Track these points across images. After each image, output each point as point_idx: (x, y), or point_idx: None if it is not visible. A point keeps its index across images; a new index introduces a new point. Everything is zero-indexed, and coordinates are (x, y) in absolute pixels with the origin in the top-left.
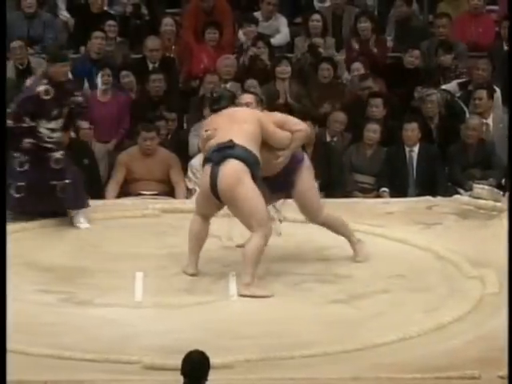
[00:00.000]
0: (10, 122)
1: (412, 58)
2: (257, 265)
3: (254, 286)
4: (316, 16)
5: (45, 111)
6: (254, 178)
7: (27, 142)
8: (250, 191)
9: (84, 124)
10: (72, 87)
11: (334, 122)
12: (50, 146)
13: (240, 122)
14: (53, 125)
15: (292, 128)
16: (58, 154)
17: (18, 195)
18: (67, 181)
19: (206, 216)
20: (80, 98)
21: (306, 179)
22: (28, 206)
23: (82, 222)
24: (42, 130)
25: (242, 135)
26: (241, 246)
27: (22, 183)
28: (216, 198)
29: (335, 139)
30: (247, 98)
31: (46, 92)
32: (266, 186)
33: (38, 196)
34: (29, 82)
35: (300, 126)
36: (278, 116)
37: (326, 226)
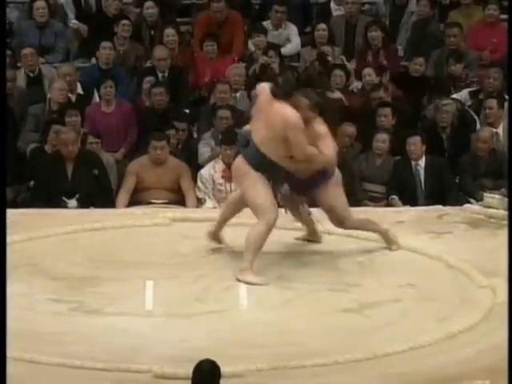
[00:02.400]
0: None
1: (417, 66)
2: (256, 252)
3: (250, 273)
4: (322, 25)
5: None
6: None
7: None
8: (250, 186)
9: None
10: None
11: (342, 136)
12: None
13: (269, 124)
14: None
15: (320, 148)
16: None
17: None
18: None
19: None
20: None
21: (331, 192)
22: None
23: None
24: None
25: (263, 133)
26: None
27: None
28: None
29: (344, 150)
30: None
31: None
32: (289, 185)
33: None
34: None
35: (327, 151)
36: (323, 129)
37: (355, 229)
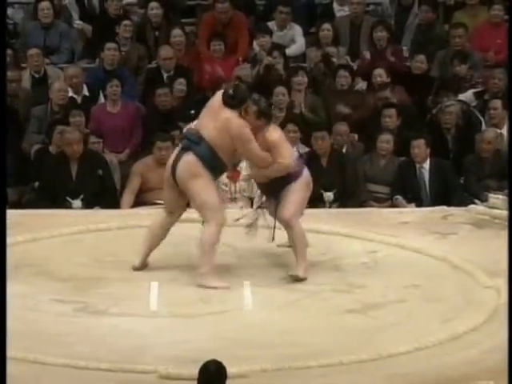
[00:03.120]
0: None
1: (418, 64)
2: (213, 254)
3: (210, 276)
4: (326, 25)
5: None
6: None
7: None
8: (201, 185)
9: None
10: None
11: (336, 135)
12: None
13: (220, 124)
14: None
15: (275, 158)
16: None
17: None
18: None
19: (171, 211)
20: None
21: (296, 189)
22: None
23: None
24: None
25: (215, 134)
26: (281, 246)
27: None
28: (175, 182)
29: (344, 149)
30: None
31: None
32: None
33: None
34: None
35: (283, 160)
36: (275, 137)
37: (288, 236)
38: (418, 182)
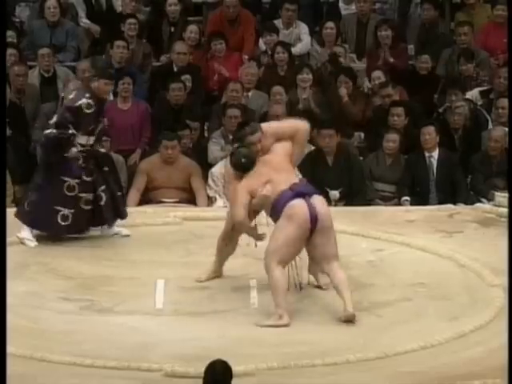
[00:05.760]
0: (54, 132)
1: (422, 64)
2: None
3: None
4: (330, 24)
5: (83, 125)
6: None
7: (74, 150)
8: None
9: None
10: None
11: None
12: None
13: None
14: (83, 140)
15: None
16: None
17: (64, 223)
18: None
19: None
20: (105, 122)
21: (277, 226)
22: (76, 230)
23: (120, 230)
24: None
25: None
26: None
27: (71, 211)
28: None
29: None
30: (278, 109)
31: (88, 106)
32: None
33: (85, 216)
34: (72, 85)
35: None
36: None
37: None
38: (427, 172)
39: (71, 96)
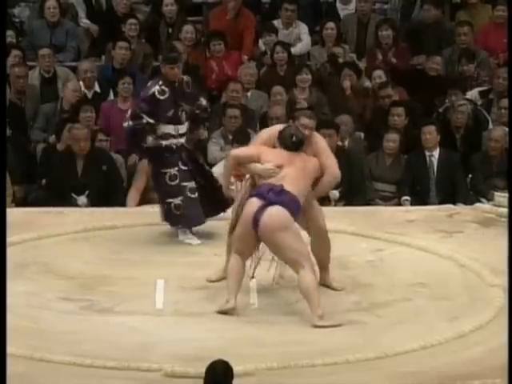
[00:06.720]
0: (130, 123)
1: (434, 65)
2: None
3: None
4: (330, 24)
5: (161, 112)
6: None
7: (151, 139)
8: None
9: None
10: (195, 91)
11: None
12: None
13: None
14: (169, 130)
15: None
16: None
17: (178, 212)
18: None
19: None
20: (204, 103)
21: None
22: (197, 217)
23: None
24: (160, 133)
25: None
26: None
27: (180, 198)
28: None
29: (346, 143)
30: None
31: (161, 92)
32: None
33: (203, 202)
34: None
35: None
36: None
37: None
38: (427, 171)
39: (148, 85)
